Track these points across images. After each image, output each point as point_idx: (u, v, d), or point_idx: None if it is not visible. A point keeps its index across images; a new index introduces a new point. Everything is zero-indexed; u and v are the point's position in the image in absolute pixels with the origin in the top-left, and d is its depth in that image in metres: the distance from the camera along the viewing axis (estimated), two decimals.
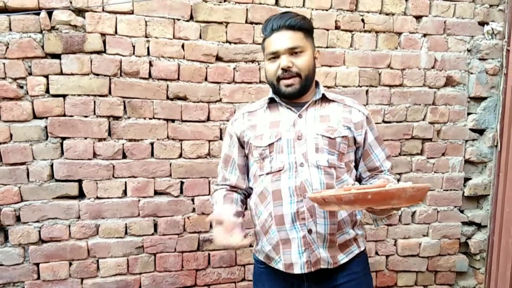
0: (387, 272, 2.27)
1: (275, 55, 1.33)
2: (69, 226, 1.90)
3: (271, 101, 1.43)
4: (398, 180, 1.53)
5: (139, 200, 1.96)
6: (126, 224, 1.96)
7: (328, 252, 1.33)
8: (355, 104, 1.44)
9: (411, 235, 2.26)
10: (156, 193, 1.98)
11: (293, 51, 1.32)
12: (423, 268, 2.30)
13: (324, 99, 1.41)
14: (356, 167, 1.44)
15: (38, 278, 1.90)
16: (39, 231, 1.87)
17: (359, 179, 1.46)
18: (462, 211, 2.33)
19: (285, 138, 1.35)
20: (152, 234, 1.99)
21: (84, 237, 1.92)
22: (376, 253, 2.24)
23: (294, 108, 1.38)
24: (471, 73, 2.22)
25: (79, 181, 1.90)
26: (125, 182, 1.94)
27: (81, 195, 1.91)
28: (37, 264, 1.89)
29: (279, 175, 1.34)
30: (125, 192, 1.95)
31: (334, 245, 1.34)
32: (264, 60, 1.39)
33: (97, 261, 1.95)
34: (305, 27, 1.34)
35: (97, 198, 1.91)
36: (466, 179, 2.31)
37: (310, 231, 1.30)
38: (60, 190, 1.88)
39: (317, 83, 1.44)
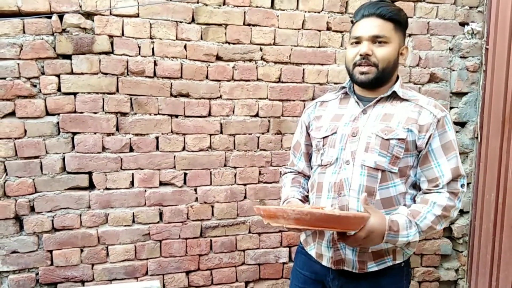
0: None
1: (358, 40, 1.28)
2: (80, 215, 2.02)
3: (346, 93, 1.41)
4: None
5: (145, 191, 2.09)
6: (133, 213, 2.08)
7: (357, 256, 1.29)
8: (430, 105, 1.30)
9: None
10: (161, 183, 2.11)
11: (376, 40, 1.26)
12: None
13: (396, 97, 1.32)
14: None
15: (52, 264, 2.02)
16: (52, 220, 1.99)
17: (419, 188, 1.33)
18: None
19: (340, 133, 1.32)
20: (158, 222, 2.12)
21: (95, 226, 2.04)
22: None
23: (362, 102, 1.34)
24: (453, 70, 2.38)
25: (89, 173, 2.02)
26: (132, 174, 2.06)
27: (91, 186, 2.03)
28: (51, 251, 2.01)
29: (325, 168, 1.34)
30: (132, 183, 2.07)
31: (366, 251, 1.28)
32: (347, 44, 1.37)
33: (107, 247, 2.07)
34: (396, 19, 1.27)
35: (106, 189, 2.04)
36: None
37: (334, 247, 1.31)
38: (72, 181, 2.00)
39: (397, 79, 1.36)
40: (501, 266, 2.33)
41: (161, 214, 2.13)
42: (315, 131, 1.41)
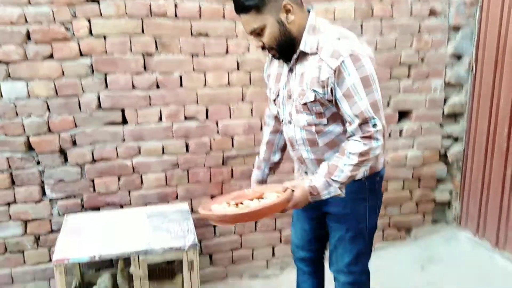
0: None
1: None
2: (116, 148, 2.25)
3: None
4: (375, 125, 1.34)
5: (172, 125, 2.30)
6: (162, 145, 2.31)
7: None
8: (327, 55, 1.31)
9: (399, 148, 2.68)
10: (186, 118, 2.32)
11: (255, 32, 1.34)
12: (409, 176, 2.73)
13: (305, 53, 1.38)
14: None
15: (94, 191, 2.28)
16: (92, 153, 2.22)
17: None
18: (442, 127, 2.73)
19: (281, 95, 1.51)
20: (185, 153, 2.35)
21: (129, 157, 2.28)
22: None
23: (287, 61, 1.44)
24: (451, 5, 2.52)
25: (122, 110, 2.23)
26: (160, 110, 2.27)
27: (124, 121, 2.24)
28: (92, 180, 2.26)
29: (283, 125, 1.59)
30: (160, 118, 2.28)
31: None
32: None
33: (141, 176, 2.32)
34: (253, 5, 1.29)
35: (138, 124, 2.25)
36: (446, 99, 2.69)
37: (306, 173, 1.60)
38: (107, 118, 2.21)
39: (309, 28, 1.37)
40: (491, 189, 2.60)
41: (187, 146, 2.35)
42: (269, 91, 1.61)
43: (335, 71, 1.29)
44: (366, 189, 1.52)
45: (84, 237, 1.97)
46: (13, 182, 2.17)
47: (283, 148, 1.77)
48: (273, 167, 1.79)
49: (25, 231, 2.24)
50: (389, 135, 2.64)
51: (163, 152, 2.33)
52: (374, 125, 1.30)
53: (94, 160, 2.24)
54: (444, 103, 2.68)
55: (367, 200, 1.54)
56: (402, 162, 2.69)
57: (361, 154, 1.31)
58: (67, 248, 1.88)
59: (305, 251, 1.80)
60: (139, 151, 2.30)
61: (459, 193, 2.86)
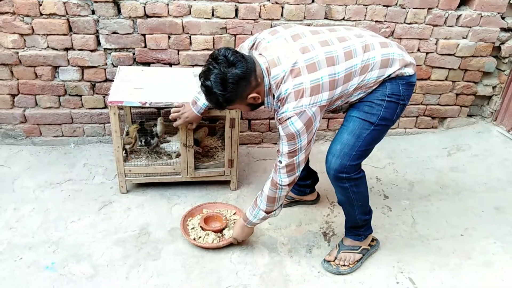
0: (424, 67, 2.67)
1: None
2: (168, 4, 2.27)
3: None
4: None
5: None
6: (213, 6, 2.31)
7: None
8: (283, 108, 1.50)
9: (452, 36, 2.58)
10: None
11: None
12: (455, 66, 2.68)
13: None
14: None
15: (145, 46, 2.37)
16: (144, 7, 2.25)
17: None
18: (503, 18, 2.58)
19: None
20: (234, 18, 2.36)
21: (180, 16, 2.31)
22: (418, 50, 2.61)
23: None
24: None
25: None
26: None
27: None
28: (144, 35, 2.34)
29: None
30: None
31: None
32: None
33: (190, 37, 2.38)
34: (223, 105, 1.51)
35: None
36: None
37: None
38: None
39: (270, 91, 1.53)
40: None
41: (236, 11, 2.34)
42: None
43: (279, 118, 1.53)
44: (387, 88, 1.56)
45: (136, 87, 2.12)
46: (70, 29, 2.27)
47: None
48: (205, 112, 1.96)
49: (82, 77, 2.42)
50: (445, 21, 2.52)
51: (212, 14, 2.33)
52: (280, 162, 1.60)
53: (146, 15, 2.28)
54: None
55: (386, 96, 1.56)
56: (451, 51, 2.62)
57: (272, 185, 1.67)
58: (121, 93, 2.04)
59: None
60: (190, 10, 2.31)
61: (503, 88, 2.82)
